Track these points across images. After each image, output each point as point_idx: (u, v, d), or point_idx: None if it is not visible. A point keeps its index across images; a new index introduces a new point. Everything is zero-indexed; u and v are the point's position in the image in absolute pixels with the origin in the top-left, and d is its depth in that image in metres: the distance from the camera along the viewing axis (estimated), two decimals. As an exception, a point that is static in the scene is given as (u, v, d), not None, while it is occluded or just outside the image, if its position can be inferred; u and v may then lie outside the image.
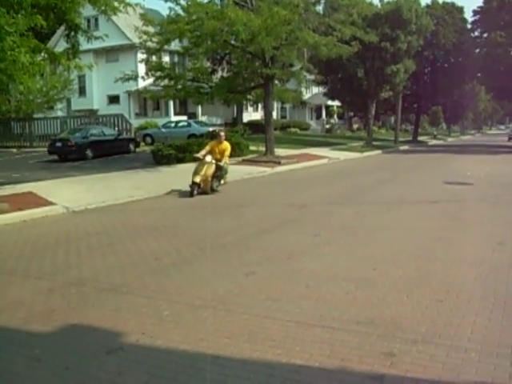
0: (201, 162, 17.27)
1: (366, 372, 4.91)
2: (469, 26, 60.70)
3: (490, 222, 12.28)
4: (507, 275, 7.88)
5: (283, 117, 70.21)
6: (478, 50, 57.26)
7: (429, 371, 4.93)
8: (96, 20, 44.71)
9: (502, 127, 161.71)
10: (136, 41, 34.51)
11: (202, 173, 16.87)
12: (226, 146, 18.03)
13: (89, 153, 30.80)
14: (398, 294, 7.02)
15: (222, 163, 17.43)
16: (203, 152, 17.63)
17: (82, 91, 53.19)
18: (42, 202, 14.95)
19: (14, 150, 39.57)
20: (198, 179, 16.75)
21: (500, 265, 8.47)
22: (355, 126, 79.13)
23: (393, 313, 6.34)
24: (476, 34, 59.57)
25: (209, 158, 17.26)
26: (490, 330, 5.83)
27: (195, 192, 16.75)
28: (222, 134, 18.51)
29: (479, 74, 58.91)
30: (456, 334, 5.72)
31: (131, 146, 35.00)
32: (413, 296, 6.95)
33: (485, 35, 55.98)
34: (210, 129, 37.28)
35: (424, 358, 5.17)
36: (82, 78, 50.24)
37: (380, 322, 6.04)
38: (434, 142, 69.13)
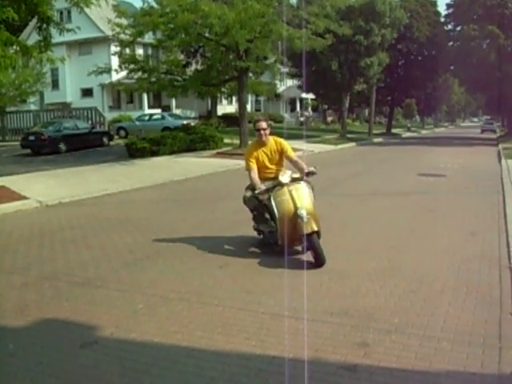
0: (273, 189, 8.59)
1: (339, 362, 4.95)
2: (442, 20, 61.21)
3: (462, 212, 12.40)
4: (479, 265, 7.98)
5: (257, 109, 70.08)
6: (451, 43, 57.73)
7: (402, 361, 4.98)
8: (69, 12, 44.32)
9: (475, 120, 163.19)
10: (109, 33, 34.28)
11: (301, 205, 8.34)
12: (281, 142, 9.71)
13: (62, 146, 30.56)
14: (371, 285, 7.08)
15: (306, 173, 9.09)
16: (255, 177, 8.92)
17: (55, 84, 52.68)
18: (14, 197, 14.81)
19: (-13, 144, 39.17)
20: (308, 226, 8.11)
21: (472, 255, 8.56)
22: (329, 119, 79.33)
23: (366, 303, 6.39)
24: (449, 27, 60.11)
25: (286, 177, 8.64)
26: (462, 319, 5.90)
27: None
28: (263, 124, 9.33)
29: (452, 67, 59.48)
30: (429, 324, 5.78)
31: (105, 140, 34.78)
32: (386, 287, 7.01)
33: (458, 28, 56.52)
34: (185, 122, 37.18)
35: (397, 348, 5.23)
36: (54, 71, 49.77)
37: (353, 313, 6.08)
38: (408, 134, 69.55)
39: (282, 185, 8.45)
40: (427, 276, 7.40)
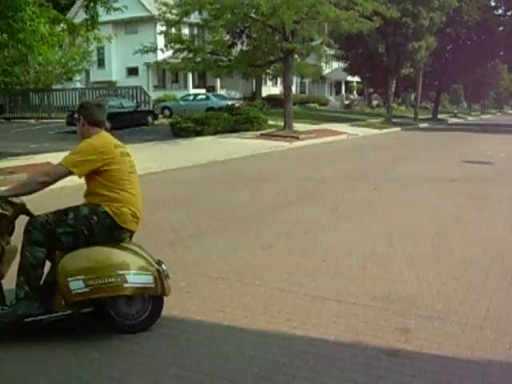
0: None
1: (380, 347, 4.93)
2: (493, 4, 59.92)
3: (508, 201, 12.21)
4: (525, 255, 7.86)
5: (302, 92, 69.85)
6: (501, 28, 56.49)
7: (443, 348, 4.93)
8: (116, -9, 44.60)
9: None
10: (155, 13, 34.45)
11: None
12: None
13: (107, 124, 30.74)
14: (414, 271, 7.02)
15: None
16: None
17: (101, 63, 53.20)
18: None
19: (33, 121, 39.72)
20: None
21: (518, 244, 8.44)
22: (375, 103, 78.58)
23: (409, 289, 6.35)
24: (500, 11, 58.81)
25: None
26: (505, 308, 5.82)
27: None
28: None
29: (502, 53, 58.28)
30: (472, 312, 5.72)
31: (149, 119, 35.04)
32: (429, 273, 6.95)
33: (509, 13, 55.27)
34: (229, 102, 37.20)
35: (439, 335, 5.18)
36: (100, 50, 50.27)
37: (396, 298, 6.05)
38: (454, 120, 68.49)
39: None
40: (471, 264, 7.31)
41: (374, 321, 5.48)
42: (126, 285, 4.98)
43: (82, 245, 5.08)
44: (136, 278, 5.05)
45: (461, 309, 5.80)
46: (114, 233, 5.20)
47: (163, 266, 5.38)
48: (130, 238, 5.57)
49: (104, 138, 5.59)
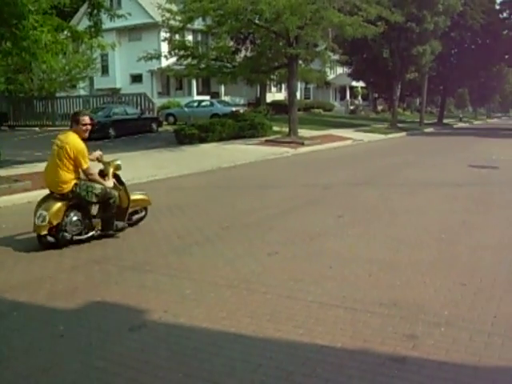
0: None
1: (388, 353, 4.90)
2: (497, 7, 59.85)
3: (515, 205, 12.18)
4: (532, 260, 7.82)
5: (307, 97, 69.89)
6: (506, 32, 56.46)
7: (451, 355, 4.90)
8: (119, -2, 44.80)
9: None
10: (159, 19, 34.50)
11: None
12: None
13: (111, 132, 30.90)
14: (421, 277, 6.99)
15: None
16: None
17: (105, 70, 53.31)
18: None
19: (37, 129, 39.78)
20: None
21: (525, 250, 8.40)
22: (380, 108, 78.59)
23: (416, 295, 6.31)
24: (504, 15, 58.74)
25: None
26: (514, 314, 5.79)
27: None
28: (89, 119, 9.24)
29: (507, 56, 58.18)
30: (479, 318, 5.68)
31: (154, 126, 35.10)
32: (436, 279, 6.91)
33: (513, 16, 55.24)
34: (234, 109, 37.24)
35: (446, 342, 5.15)
36: (104, 57, 50.34)
37: (403, 305, 6.01)
38: (460, 124, 68.42)
39: (119, 169, 9.51)
40: (478, 269, 7.28)
41: (382, 327, 5.45)
42: None
43: None
44: None
45: (468, 315, 5.77)
46: None
47: None
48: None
49: None
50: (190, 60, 29.36)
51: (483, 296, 6.33)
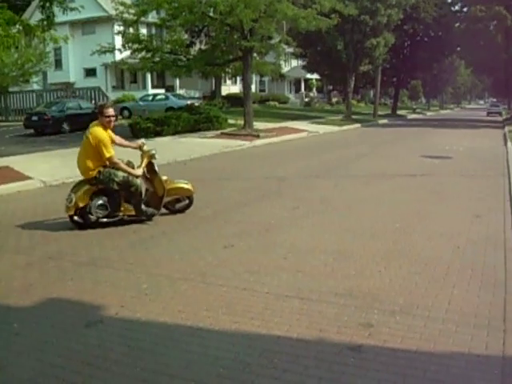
0: None
1: (344, 342, 4.95)
2: (449, 0, 60.70)
3: (467, 195, 12.38)
4: (484, 247, 7.98)
5: (262, 90, 69.96)
6: (457, 25, 57.34)
7: (406, 342, 4.98)
8: (72, -9, 44.09)
9: (481, 102, 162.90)
10: (113, 12, 34.13)
11: None
12: None
13: (65, 126, 30.52)
14: (376, 266, 7.07)
15: None
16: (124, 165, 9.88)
17: (58, 64, 52.61)
18: (18, 177, 14.78)
19: (-11, 124, 39.08)
20: None
21: (477, 237, 8.55)
22: (334, 100, 79.10)
23: (371, 284, 6.39)
24: (456, 8, 59.75)
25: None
26: (467, 301, 5.90)
27: None
28: (113, 111, 10.27)
29: (459, 49, 59.21)
30: (433, 305, 5.78)
31: (108, 120, 34.69)
32: (391, 268, 7.01)
33: (465, 9, 56.12)
34: (189, 102, 37.05)
35: (402, 329, 5.23)
36: (57, 51, 49.73)
37: (358, 294, 6.08)
38: (413, 116, 69.28)
39: (154, 158, 10.31)
40: (432, 258, 7.39)
41: (337, 317, 5.50)
42: None
43: None
44: None
45: (423, 302, 5.86)
46: None
47: None
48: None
49: None
50: (144, 53, 29.11)
51: (437, 284, 6.43)
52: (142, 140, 10.58)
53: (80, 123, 31.09)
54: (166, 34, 34.85)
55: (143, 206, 9.60)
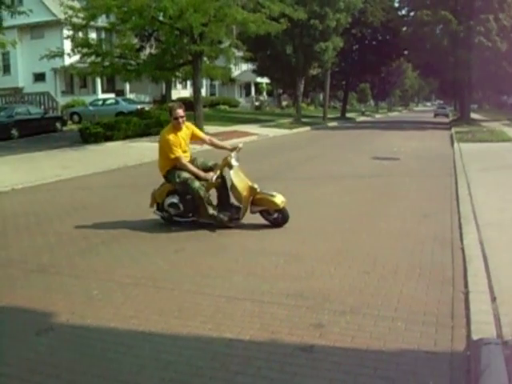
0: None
1: (295, 343, 5.01)
2: (396, 5, 61.71)
3: (415, 195, 12.59)
4: (432, 246, 8.13)
5: (212, 94, 69.88)
6: (405, 29, 58.14)
7: (357, 341, 5.06)
8: (21, -5, 43.45)
9: (429, 104, 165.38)
10: (62, 17, 33.70)
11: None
12: (189, 125, 10.17)
13: (14, 132, 30.00)
14: (325, 267, 7.15)
15: None
16: (192, 167, 9.53)
17: (7, 69, 51.65)
18: (-35, 183, 14.54)
19: None
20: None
21: (425, 236, 8.71)
22: (284, 103, 79.45)
23: (321, 285, 6.45)
24: (403, 12, 60.58)
25: (235, 160, 9.70)
26: (415, 299, 6.01)
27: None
28: (181, 112, 9.78)
29: (406, 52, 59.97)
30: (383, 304, 5.88)
31: (58, 125, 34.32)
32: (340, 268, 7.09)
33: (411, 14, 56.91)
34: (139, 106, 36.85)
35: (352, 328, 5.31)
36: (5, 56, 48.86)
37: (309, 295, 6.14)
38: (362, 118, 69.94)
39: (231, 167, 9.42)
40: (381, 257, 7.50)
41: (289, 318, 5.55)
42: None
43: None
44: None
45: (372, 301, 5.95)
46: None
47: None
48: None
49: None
50: (93, 58, 28.82)
51: (386, 283, 6.54)
52: (240, 145, 10.44)
53: (29, 128, 30.81)
54: (115, 39, 34.60)
55: (211, 211, 9.33)
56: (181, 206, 9.45)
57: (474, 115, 59.82)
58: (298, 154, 22.77)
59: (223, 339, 5.12)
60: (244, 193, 9.21)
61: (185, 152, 9.67)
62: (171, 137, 9.44)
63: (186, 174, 9.33)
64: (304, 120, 48.00)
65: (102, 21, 31.57)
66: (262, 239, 8.69)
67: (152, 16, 25.79)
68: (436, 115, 73.84)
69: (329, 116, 56.93)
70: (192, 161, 9.73)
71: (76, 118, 40.25)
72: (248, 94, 77.83)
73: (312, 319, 5.51)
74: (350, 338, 5.10)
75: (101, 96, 47.41)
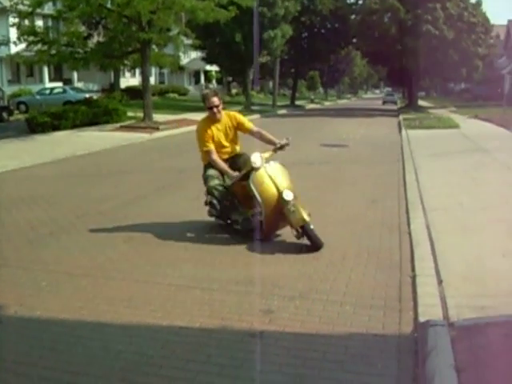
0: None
1: (245, 329, 5.06)
2: (345, -7, 62.06)
3: (364, 181, 12.75)
4: (380, 231, 8.27)
5: (161, 82, 69.37)
6: (353, 17, 58.68)
7: (306, 325, 5.13)
8: (-38, -19, 42.43)
9: (377, 91, 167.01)
10: (7, 4, 33.02)
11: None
12: (236, 116, 9.18)
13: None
14: (274, 254, 7.24)
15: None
16: (221, 162, 8.41)
17: (-50, 58, 50.50)
18: None
19: None
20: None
21: (373, 222, 8.85)
22: (234, 91, 79.33)
23: (271, 272, 6.51)
24: (352, 0, 61.05)
25: (258, 161, 8.13)
26: (364, 283, 6.13)
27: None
28: (216, 100, 8.41)
29: (355, 40, 60.41)
30: (332, 289, 5.97)
31: (4, 115, 33.65)
32: (289, 254, 7.17)
33: (360, 2, 57.49)
34: (87, 95, 36.40)
35: (301, 314, 5.38)
36: None
37: (258, 281, 6.20)
38: (312, 106, 70.32)
39: (256, 169, 7.83)
40: (329, 243, 7.54)
41: (238, 305, 5.60)
42: None
43: None
44: None
45: (321, 287, 6.04)
46: None
47: None
48: None
49: None
50: (40, 46, 28.27)
51: (335, 268, 6.64)
52: (286, 140, 8.86)
53: (-26, 119, 30.14)
54: (62, 26, 34.05)
55: (234, 216, 8.31)
56: (217, 207, 8.16)
57: (421, 102, 60.82)
58: (247, 142, 22.75)
59: (173, 327, 5.14)
60: (266, 202, 7.63)
61: (223, 147, 8.59)
62: (202, 129, 8.51)
63: (211, 171, 8.27)
64: (254, 108, 48.08)
65: (48, 8, 31.06)
66: (211, 227, 8.70)
67: (99, 3, 25.47)
68: (384, 102, 74.73)
69: (278, 104, 57.13)
70: (235, 156, 8.72)
71: (23, 107, 39.51)
72: (197, 82, 77.48)
73: (261, 305, 5.57)
74: (299, 323, 5.17)
75: (48, 85, 46.65)
